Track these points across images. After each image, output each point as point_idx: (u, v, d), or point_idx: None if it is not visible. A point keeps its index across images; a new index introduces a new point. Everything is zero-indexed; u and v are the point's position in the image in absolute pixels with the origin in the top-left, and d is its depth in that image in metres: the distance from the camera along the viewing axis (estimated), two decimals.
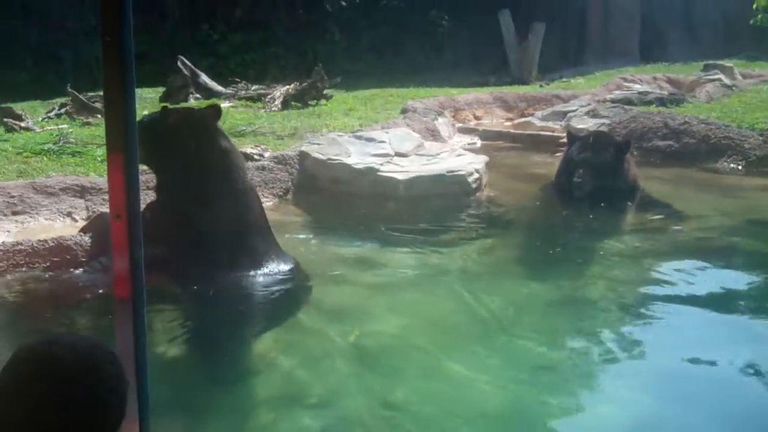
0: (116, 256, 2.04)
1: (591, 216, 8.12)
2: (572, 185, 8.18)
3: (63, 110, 13.09)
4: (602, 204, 8.15)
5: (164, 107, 6.84)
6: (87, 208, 7.48)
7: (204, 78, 15.73)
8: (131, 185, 2.06)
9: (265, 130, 11.32)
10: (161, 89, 15.32)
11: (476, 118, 14.09)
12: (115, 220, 2.06)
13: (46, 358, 1.82)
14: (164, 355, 4.70)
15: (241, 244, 6.13)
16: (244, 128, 11.33)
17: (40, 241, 6.28)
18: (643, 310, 5.98)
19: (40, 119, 12.61)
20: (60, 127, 11.55)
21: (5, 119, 11.62)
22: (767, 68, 19.09)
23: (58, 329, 5.12)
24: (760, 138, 10.44)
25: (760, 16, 12.96)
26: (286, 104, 14.13)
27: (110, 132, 2.04)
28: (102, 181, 7.71)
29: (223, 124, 11.47)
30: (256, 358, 5.10)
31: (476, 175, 8.68)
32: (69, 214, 7.38)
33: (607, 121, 11.78)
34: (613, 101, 13.79)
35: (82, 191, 7.60)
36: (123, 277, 2.05)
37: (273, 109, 13.91)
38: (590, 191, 8.13)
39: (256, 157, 9.06)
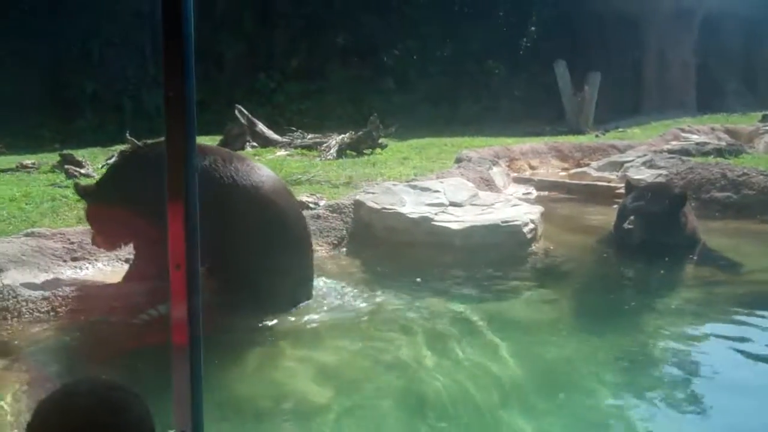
0: (175, 305, 2.05)
1: (650, 269, 7.96)
2: (623, 232, 8.06)
3: None
4: (663, 257, 7.99)
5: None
6: None
7: (261, 126, 15.96)
8: (191, 235, 2.07)
9: (321, 178, 11.42)
10: (219, 137, 15.57)
11: (531, 167, 14.04)
12: (174, 270, 2.06)
13: (66, 409, 1.84)
14: (222, 403, 4.68)
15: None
16: (300, 176, 11.43)
17: (98, 287, 6.36)
18: (702, 367, 5.80)
19: (99, 166, 12.86)
20: None
21: (66, 166, 11.90)
22: None
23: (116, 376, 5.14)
24: None
25: None
26: (341, 153, 14.26)
27: (171, 184, 2.06)
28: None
29: (280, 172, 11.62)
30: (315, 406, 5.05)
31: (531, 226, 8.59)
32: (127, 261, 7.45)
33: (664, 172, 11.65)
34: (670, 152, 13.65)
35: None
36: (181, 324, 2.05)
37: (328, 157, 14.04)
38: (642, 239, 8.00)
39: (311, 205, 9.11)
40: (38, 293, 6.30)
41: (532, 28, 24.11)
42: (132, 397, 1.93)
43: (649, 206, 8.12)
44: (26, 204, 9.13)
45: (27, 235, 7.36)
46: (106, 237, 6.89)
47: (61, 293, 6.27)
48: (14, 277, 6.45)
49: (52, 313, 6.14)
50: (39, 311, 6.13)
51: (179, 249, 2.08)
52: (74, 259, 7.24)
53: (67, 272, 7.08)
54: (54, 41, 20.14)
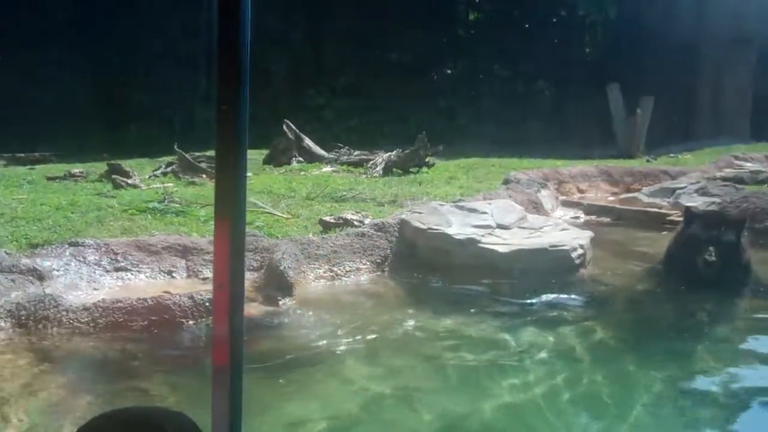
0: (216, 324, 1.99)
1: (701, 301, 7.68)
2: (701, 264, 7.69)
3: (169, 169, 13.39)
4: (716, 288, 7.70)
5: None
6: (188, 268, 7.52)
7: (308, 142, 15.95)
8: (236, 255, 1.99)
9: (366, 196, 11.32)
10: (265, 152, 15.60)
11: (580, 191, 13.81)
12: (217, 290, 1.99)
13: None
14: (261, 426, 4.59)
15: None
16: (345, 193, 11.34)
17: (139, 299, 6.31)
18: (750, 406, 5.56)
19: (146, 177, 12.92)
20: (165, 185, 11.80)
21: (114, 175, 11.95)
22: None
23: (150, 392, 5.08)
24: None
25: None
26: (387, 171, 14.16)
27: (219, 200, 2.01)
28: (204, 242, 7.76)
29: (325, 188, 11.57)
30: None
31: (580, 251, 8.40)
32: (170, 273, 7.42)
33: (717, 200, 11.37)
34: (723, 179, 13.34)
35: (183, 251, 7.65)
36: (222, 344, 1.99)
37: (374, 175, 13.96)
38: (718, 271, 7.70)
39: (356, 223, 9.00)
40: (80, 303, 6.26)
41: (587, 50, 23.92)
42: (189, 426, 1.84)
43: (724, 235, 7.82)
44: (72, 213, 9.13)
45: (71, 244, 7.35)
46: None
47: (102, 304, 6.21)
48: (56, 286, 6.43)
49: (92, 324, 6.08)
50: (80, 321, 6.09)
51: (223, 268, 2.01)
52: (117, 270, 7.21)
53: (110, 283, 7.06)
54: (106, 52, 20.38)
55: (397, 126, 20.62)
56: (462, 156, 16.34)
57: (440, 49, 23.31)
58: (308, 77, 22.90)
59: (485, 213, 9.16)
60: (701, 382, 5.92)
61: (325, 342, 6.30)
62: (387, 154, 14.92)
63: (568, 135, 20.25)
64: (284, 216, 9.69)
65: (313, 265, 7.93)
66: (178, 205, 9.84)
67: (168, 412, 1.94)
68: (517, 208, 9.62)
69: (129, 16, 20.03)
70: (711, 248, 7.61)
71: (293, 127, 15.81)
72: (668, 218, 11.13)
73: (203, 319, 6.23)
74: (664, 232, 10.19)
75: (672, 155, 18.33)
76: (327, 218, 9.21)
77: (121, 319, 6.10)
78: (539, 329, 6.83)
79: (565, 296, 7.85)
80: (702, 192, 12.10)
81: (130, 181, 11.83)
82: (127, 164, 13.09)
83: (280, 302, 7.00)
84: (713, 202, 11.28)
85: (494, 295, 7.66)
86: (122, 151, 15.36)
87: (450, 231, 8.54)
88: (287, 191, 11.49)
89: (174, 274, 7.42)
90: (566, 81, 22.52)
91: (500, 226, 8.87)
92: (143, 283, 7.04)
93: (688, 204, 10.66)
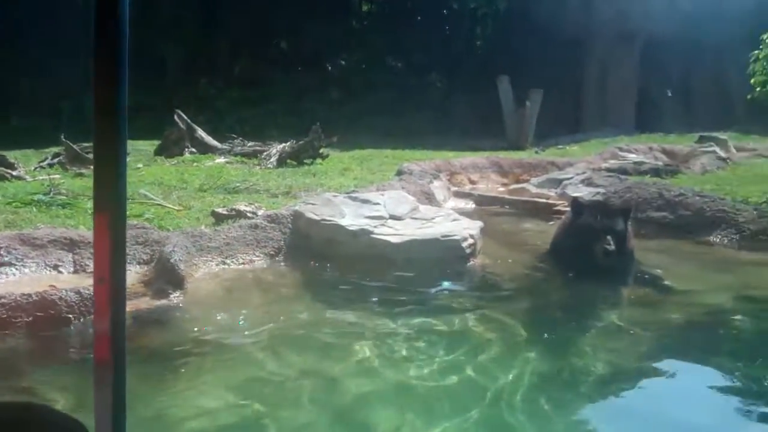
0: (97, 319, 1.95)
1: (585, 288, 7.96)
2: (599, 253, 7.93)
3: (56, 160, 13.04)
4: (598, 276, 7.97)
5: None
6: (75, 262, 7.34)
7: (200, 132, 15.75)
8: (117, 248, 1.96)
9: (260, 187, 11.27)
10: (157, 142, 15.34)
11: (471, 182, 14.07)
12: (98, 284, 1.95)
13: None
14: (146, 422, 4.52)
15: None
16: (239, 185, 11.27)
17: (23, 294, 6.13)
18: (630, 392, 5.78)
19: (32, 168, 12.55)
20: (52, 177, 11.48)
21: None
22: (761, 142, 19.23)
23: (34, 391, 4.95)
24: (755, 212, 10.36)
25: (758, 89, 12.90)
26: (281, 162, 14.13)
27: (98, 192, 1.95)
28: (91, 235, 7.56)
29: (218, 180, 11.47)
30: (240, 424, 4.92)
31: (471, 241, 8.58)
32: (56, 268, 7.23)
33: (602, 191, 11.76)
34: (608, 170, 13.81)
35: (70, 244, 7.46)
36: (103, 339, 1.94)
37: (268, 166, 13.90)
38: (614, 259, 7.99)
39: (249, 214, 8.97)
40: None
41: (478, 43, 24.36)
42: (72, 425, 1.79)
43: (616, 223, 8.09)
44: None
45: None
46: None
47: None
48: None
49: None
50: None
51: (104, 261, 1.97)
52: (0, 265, 6.99)
53: None
54: None
55: (290, 117, 20.57)
56: (356, 147, 16.44)
57: (334, 40, 23.34)
58: (202, 67, 22.59)
59: (378, 204, 9.26)
60: (592, 371, 6.10)
61: (216, 336, 6.26)
62: (281, 145, 14.88)
63: (460, 127, 20.60)
64: (175, 208, 9.57)
65: (205, 258, 7.87)
66: (64, 197, 9.61)
67: (50, 410, 1.88)
68: (409, 199, 9.75)
69: (12, 1, 19.34)
70: (609, 237, 7.90)
71: (185, 117, 15.57)
72: (555, 208, 11.47)
73: (91, 315, 6.09)
74: (551, 222, 10.50)
75: (560, 147, 18.83)
76: (220, 210, 9.14)
77: (4, 316, 5.91)
78: (429, 319, 6.93)
79: (455, 286, 8.01)
80: (587, 182, 12.49)
81: (14, 173, 11.47)
82: (11, 155, 12.67)
83: (171, 296, 6.91)
84: (598, 193, 11.66)
85: (387, 285, 7.74)
86: (6, 141, 14.85)
87: (343, 222, 8.60)
88: (179, 183, 11.35)
89: (60, 269, 7.24)
90: (458, 73, 22.86)
91: (393, 217, 8.98)
92: (28, 278, 6.84)
93: (575, 194, 11.02)
